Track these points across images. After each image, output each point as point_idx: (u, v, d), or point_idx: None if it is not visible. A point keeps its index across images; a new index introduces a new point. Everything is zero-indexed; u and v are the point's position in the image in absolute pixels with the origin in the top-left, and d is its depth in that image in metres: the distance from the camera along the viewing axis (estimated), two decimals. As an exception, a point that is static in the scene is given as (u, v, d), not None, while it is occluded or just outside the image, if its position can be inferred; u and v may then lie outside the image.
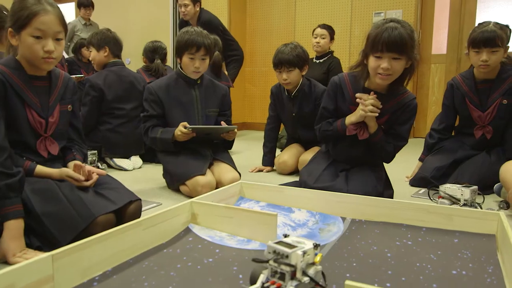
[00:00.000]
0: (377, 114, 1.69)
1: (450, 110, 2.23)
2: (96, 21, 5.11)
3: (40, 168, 1.34)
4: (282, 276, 0.75)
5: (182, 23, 3.78)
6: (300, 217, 1.49)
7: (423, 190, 2.07)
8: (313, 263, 0.79)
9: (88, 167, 1.39)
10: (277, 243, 0.80)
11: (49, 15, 1.32)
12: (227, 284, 0.95)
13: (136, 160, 2.73)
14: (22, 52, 1.36)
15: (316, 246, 0.80)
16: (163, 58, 3.33)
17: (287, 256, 0.75)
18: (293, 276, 0.75)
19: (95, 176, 1.38)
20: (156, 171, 2.51)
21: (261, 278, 0.77)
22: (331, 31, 3.54)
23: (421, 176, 2.09)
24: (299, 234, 1.32)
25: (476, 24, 2.10)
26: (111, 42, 2.72)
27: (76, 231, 1.20)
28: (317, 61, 3.51)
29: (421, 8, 4.46)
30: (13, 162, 1.19)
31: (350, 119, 1.77)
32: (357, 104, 1.75)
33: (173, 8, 5.26)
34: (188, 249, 1.16)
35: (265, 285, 0.77)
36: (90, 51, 2.80)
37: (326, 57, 3.52)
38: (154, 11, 5.40)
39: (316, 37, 3.50)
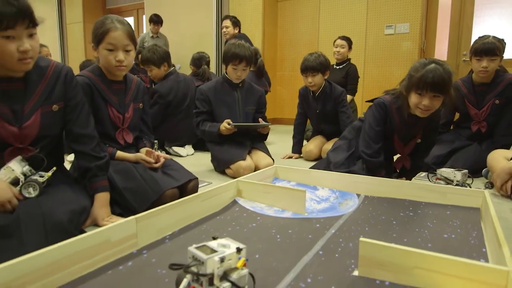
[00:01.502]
0: None
1: (451, 109, 2.22)
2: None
3: (119, 153, 1.44)
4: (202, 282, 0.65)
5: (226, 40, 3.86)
6: (323, 193, 1.53)
7: (424, 173, 2.06)
8: (236, 268, 0.67)
9: (156, 152, 1.48)
10: (199, 247, 0.68)
11: (119, 32, 1.36)
12: (268, 242, 1.02)
13: (189, 149, 2.83)
14: (101, 62, 1.44)
15: (239, 250, 0.68)
16: (207, 65, 3.40)
17: (203, 263, 0.64)
18: (211, 282, 0.65)
19: (162, 160, 1.45)
20: (205, 157, 2.58)
21: (184, 283, 0.65)
22: (349, 41, 3.51)
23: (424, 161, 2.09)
24: (322, 207, 1.36)
25: (472, 36, 2.11)
26: (167, 57, 2.72)
27: (149, 202, 1.28)
28: (337, 67, 3.50)
29: (425, 22, 4.35)
30: (100, 148, 1.27)
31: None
32: (401, 131, 1.68)
33: (216, 22, 5.31)
34: (235, 217, 1.24)
35: None
36: (150, 69, 2.71)
37: (345, 64, 3.50)
38: (200, 25, 5.44)
39: (336, 47, 3.49)
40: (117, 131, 1.46)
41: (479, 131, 2.11)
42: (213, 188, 1.29)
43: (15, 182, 1.00)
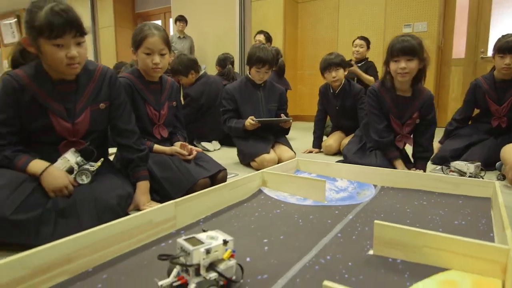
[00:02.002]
0: None
1: (470, 105, 2.23)
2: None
3: (156, 146, 1.54)
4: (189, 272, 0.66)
5: None
6: (342, 184, 1.59)
7: (439, 167, 2.08)
8: (223, 259, 0.68)
9: (189, 146, 1.58)
10: (188, 239, 0.69)
11: (155, 37, 1.45)
12: (291, 226, 1.10)
13: (216, 144, 2.93)
14: (140, 64, 1.55)
15: (225, 242, 0.68)
16: (232, 65, 3.49)
17: (189, 254, 0.65)
18: (197, 273, 0.65)
19: (194, 152, 1.55)
20: (231, 151, 2.67)
21: (174, 273, 0.67)
22: (367, 41, 3.53)
23: (441, 155, 2.11)
24: (341, 196, 1.43)
25: (490, 34, 2.09)
26: (192, 65, 2.78)
27: (184, 190, 1.37)
28: (357, 65, 3.52)
29: (443, 20, 4.29)
30: (141, 142, 1.38)
31: (397, 166, 1.79)
32: (393, 113, 1.82)
33: (239, 24, 5.38)
34: (261, 204, 1.32)
35: (174, 280, 0.67)
36: (180, 78, 2.79)
37: (363, 62, 3.51)
38: (223, 26, 5.51)
39: (355, 46, 3.51)
40: (154, 126, 1.57)
41: (499, 126, 2.11)
42: (241, 178, 1.38)
43: (70, 170, 1.12)
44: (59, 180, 1.06)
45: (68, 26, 1.04)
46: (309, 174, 1.72)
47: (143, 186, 1.31)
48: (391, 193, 1.46)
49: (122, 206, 1.14)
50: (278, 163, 1.95)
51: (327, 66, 2.45)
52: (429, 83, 4.33)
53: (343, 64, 2.45)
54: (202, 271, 0.65)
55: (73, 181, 1.10)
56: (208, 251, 0.66)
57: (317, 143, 2.68)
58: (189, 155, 1.53)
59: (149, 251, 0.92)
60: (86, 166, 1.14)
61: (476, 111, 2.29)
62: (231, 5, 5.40)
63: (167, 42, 1.50)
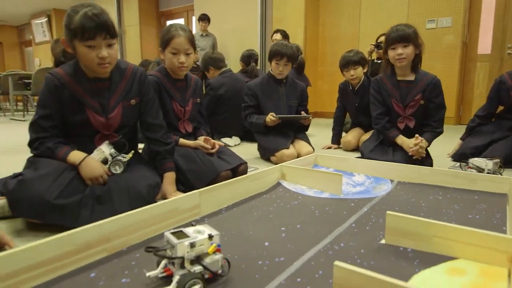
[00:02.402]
0: (424, 155, 1.85)
1: (494, 102, 2.21)
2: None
3: (182, 140, 1.63)
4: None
5: None
6: (359, 179, 1.64)
7: (458, 163, 2.08)
8: (208, 253, 0.69)
9: (212, 140, 1.66)
10: (175, 233, 0.70)
11: (181, 38, 1.54)
12: (308, 216, 1.16)
13: (236, 139, 3.01)
14: (166, 63, 1.64)
15: (210, 237, 0.70)
16: (256, 62, 3.56)
17: (174, 247, 0.67)
18: (182, 265, 0.67)
19: (217, 146, 1.63)
20: (250, 147, 2.75)
21: (161, 265, 0.69)
22: None
23: (462, 152, 2.10)
24: (358, 190, 1.47)
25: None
26: (210, 61, 3.01)
27: (207, 181, 1.44)
28: (378, 61, 3.51)
29: (469, 15, 4.19)
30: (167, 136, 1.48)
31: (401, 143, 1.91)
32: (396, 99, 1.96)
33: (260, 21, 5.43)
34: (280, 196, 1.39)
35: (161, 272, 0.70)
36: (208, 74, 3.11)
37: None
38: (245, 24, 5.59)
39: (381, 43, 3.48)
40: (179, 121, 1.66)
41: None
42: (261, 171, 1.45)
43: (104, 161, 1.22)
44: (95, 170, 1.16)
45: (99, 29, 1.13)
46: (326, 169, 1.77)
47: (169, 177, 1.40)
48: (407, 188, 1.49)
49: (151, 195, 1.23)
50: (297, 158, 2.01)
51: (345, 64, 2.48)
52: (453, 79, 4.26)
53: (362, 62, 2.48)
54: (187, 264, 0.67)
55: (107, 170, 1.20)
56: (192, 245, 0.67)
57: (336, 139, 2.72)
58: (212, 148, 1.61)
59: (176, 235, 1.01)
60: (119, 157, 1.24)
61: (501, 108, 2.27)
62: (253, 2, 5.45)
63: (192, 42, 1.58)
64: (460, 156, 2.10)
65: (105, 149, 1.22)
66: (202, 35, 5.25)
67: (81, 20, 1.12)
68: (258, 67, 4.92)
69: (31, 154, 1.22)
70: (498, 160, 1.70)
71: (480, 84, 4.26)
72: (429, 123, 1.93)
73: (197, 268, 0.67)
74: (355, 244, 0.95)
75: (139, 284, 0.73)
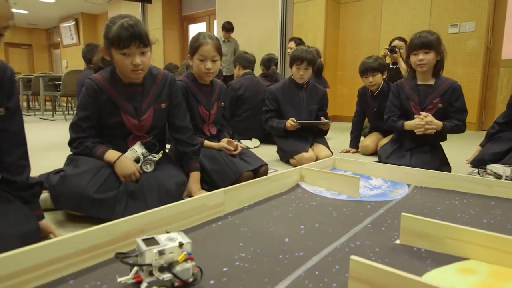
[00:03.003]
0: (433, 131, 1.89)
1: None
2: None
3: (206, 142, 1.72)
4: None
5: None
6: (376, 183, 1.68)
7: (476, 170, 2.09)
8: (178, 261, 0.68)
9: (235, 142, 1.74)
10: (145, 239, 0.70)
11: (209, 46, 1.63)
12: (325, 216, 1.22)
13: (255, 141, 3.09)
14: (194, 69, 1.74)
15: (181, 245, 0.69)
16: (276, 66, 3.63)
17: (142, 253, 0.67)
18: (151, 273, 0.67)
19: (240, 148, 1.72)
20: (270, 149, 2.81)
21: (133, 271, 0.69)
22: (406, 42, 3.47)
23: (481, 158, 2.11)
24: (374, 193, 1.52)
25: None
26: (239, 60, 3.19)
27: (230, 181, 1.52)
28: (394, 66, 3.51)
29: (493, 20, 4.14)
30: (194, 138, 1.57)
31: (408, 125, 1.99)
32: (415, 101, 2.00)
33: (281, 25, 5.48)
34: (299, 196, 1.45)
35: (131, 278, 0.69)
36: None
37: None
38: (266, 28, 5.64)
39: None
40: (204, 124, 1.75)
41: None
42: (281, 173, 1.52)
43: (136, 160, 1.32)
44: (129, 168, 1.25)
45: (134, 38, 1.23)
46: (344, 172, 1.82)
47: (195, 176, 1.49)
48: (423, 192, 1.53)
49: (179, 192, 1.32)
50: (315, 161, 2.07)
51: (364, 70, 2.53)
52: (475, 84, 4.22)
53: (381, 68, 2.50)
54: (155, 272, 0.67)
55: (139, 169, 1.30)
56: (161, 252, 0.67)
57: (355, 143, 2.75)
58: (235, 150, 1.69)
59: (202, 230, 1.09)
60: (150, 157, 1.33)
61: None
62: (274, 7, 5.52)
63: (219, 50, 1.67)
64: (479, 162, 2.10)
65: (137, 149, 1.32)
66: (224, 41, 5.37)
67: (117, 30, 1.22)
68: (278, 71, 5.01)
69: (59, 152, 1.33)
70: (517, 166, 1.72)
71: (504, 90, 4.20)
72: (452, 117, 1.98)
73: (166, 276, 0.67)
74: (371, 243, 1.01)
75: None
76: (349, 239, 1.03)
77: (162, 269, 0.67)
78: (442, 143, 2.07)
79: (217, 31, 6.44)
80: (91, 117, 1.31)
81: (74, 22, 9.99)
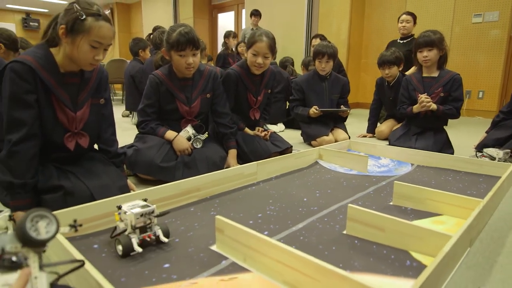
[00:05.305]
0: (429, 108, 2.19)
1: None
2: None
3: (246, 129, 2.01)
4: None
5: None
6: (384, 162, 1.97)
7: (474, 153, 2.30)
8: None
9: (264, 132, 2.03)
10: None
11: (263, 43, 1.86)
12: (337, 185, 1.54)
13: (280, 126, 3.38)
14: (248, 60, 1.92)
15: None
16: (292, 65, 4.02)
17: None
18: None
19: (269, 133, 2.02)
20: (294, 133, 3.10)
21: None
22: (414, 17, 3.53)
23: (485, 143, 2.30)
24: (381, 170, 1.82)
25: None
26: None
27: (261, 159, 1.81)
28: (401, 42, 3.59)
29: (517, 9, 4.19)
30: (233, 121, 1.86)
31: (415, 108, 2.28)
32: (420, 92, 2.28)
33: (307, 14, 5.67)
34: (317, 171, 1.77)
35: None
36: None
37: (409, 39, 3.53)
38: (293, 16, 5.80)
39: (402, 22, 3.53)
40: (250, 110, 2.03)
41: None
42: (302, 151, 1.84)
43: (188, 138, 1.67)
44: (183, 144, 1.61)
45: (189, 43, 1.58)
46: (358, 153, 2.12)
47: (233, 152, 1.82)
48: (424, 170, 1.82)
49: (222, 163, 1.67)
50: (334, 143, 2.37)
51: (381, 63, 2.77)
52: (497, 73, 4.32)
53: (397, 61, 2.73)
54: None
55: (191, 146, 1.66)
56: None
57: (371, 129, 3.01)
58: (264, 136, 2.00)
59: (240, 192, 1.44)
60: (198, 136, 1.69)
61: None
62: (301, -3, 5.71)
63: (271, 48, 1.87)
64: (482, 147, 2.32)
65: (189, 130, 1.68)
66: (252, 29, 5.62)
67: (177, 36, 1.56)
68: (303, 56, 5.25)
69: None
70: (509, 150, 1.95)
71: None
72: (449, 104, 2.25)
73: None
74: (370, 203, 1.33)
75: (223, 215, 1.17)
76: (353, 200, 1.35)
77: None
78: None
79: (245, 20, 6.70)
80: (154, 104, 1.68)
81: (109, 11, 10.49)
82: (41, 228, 0.51)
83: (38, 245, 0.51)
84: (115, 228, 0.95)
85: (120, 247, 0.88)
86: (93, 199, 1.12)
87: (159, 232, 0.93)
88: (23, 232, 0.49)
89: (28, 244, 0.50)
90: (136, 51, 3.49)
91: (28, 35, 10.46)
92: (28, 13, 10.88)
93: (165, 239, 0.93)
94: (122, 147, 1.54)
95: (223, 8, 7.93)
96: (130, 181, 1.39)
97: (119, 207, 0.91)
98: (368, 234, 1.01)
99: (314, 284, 0.71)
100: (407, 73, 2.97)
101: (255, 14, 5.45)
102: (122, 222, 0.92)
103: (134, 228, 0.88)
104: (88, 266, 0.68)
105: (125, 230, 0.89)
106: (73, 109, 1.18)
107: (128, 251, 0.87)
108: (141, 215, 0.89)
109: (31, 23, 10.86)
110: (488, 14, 4.28)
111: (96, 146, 1.36)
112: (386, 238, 0.98)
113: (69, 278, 0.75)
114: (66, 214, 0.98)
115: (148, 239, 0.90)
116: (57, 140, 1.17)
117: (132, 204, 0.92)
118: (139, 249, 0.87)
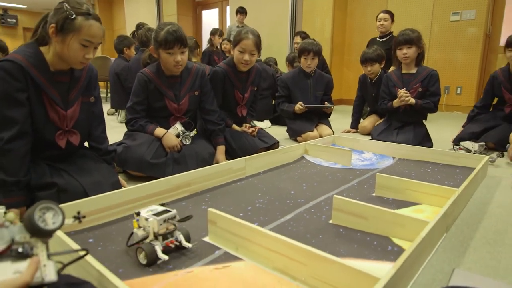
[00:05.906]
0: (408, 102, 2.29)
1: (489, 94, 2.50)
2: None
3: (233, 126, 2.07)
4: None
5: None
6: (367, 156, 2.05)
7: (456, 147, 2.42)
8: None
9: (252, 128, 2.08)
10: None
11: (249, 41, 1.90)
12: (323, 178, 1.60)
13: (267, 122, 3.43)
14: (235, 58, 1.97)
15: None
16: (276, 64, 4.06)
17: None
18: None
19: (256, 129, 2.07)
20: (279, 129, 3.15)
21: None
22: (391, 15, 3.61)
23: (461, 137, 2.42)
24: (364, 164, 1.89)
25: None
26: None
27: (249, 154, 1.86)
28: (380, 40, 3.66)
29: (492, 8, 4.35)
30: (221, 118, 1.91)
31: (395, 102, 2.37)
32: (399, 87, 2.39)
33: (291, 11, 5.72)
34: (303, 165, 1.83)
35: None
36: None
37: (388, 37, 3.58)
38: (277, 14, 5.85)
39: (380, 20, 3.58)
40: (237, 106, 2.07)
41: (511, 112, 2.39)
42: (289, 146, 1.90)
43: (177, 135, 1.70)
44: (173, 141, 1.64)
45: (177, 41, 1.60)
46: (342, 147, 2.20)
47: (221, 148, 1.85)
48: (404, 163, 1.90)
49: (211, 159, 1.71)
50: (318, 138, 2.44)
51: (364, 60, 2.84)
52: (474, 70, 4.47)
53: (379, 59, 2.81)
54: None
55: (180, 142, 1.69)
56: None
57: (355, 125, 3.09)
58: (251, 133, 2.04)
59: (229, 186, 1.48)
60: (187, 133, 1.72)
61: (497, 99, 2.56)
62: (284, -6, 5.76)
63: (257, 45, 1.94)
64: (460, 140, 2.44)
65: (178, 127, 1.71)
66: (238, 26, 5.65)
67: (165, 34, 1.59)
68: (283, 60, 5.30)
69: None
70: (483, 143, 2.06)
71: (500, 75, 4.45)
72: (427, 99, 2.34)
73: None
74: (354, 195, 1.39)
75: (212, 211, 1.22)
76: (338, 192, 1.42)
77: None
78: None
79: (229, 17, 6.71)
80: (143, 101, 1.70)
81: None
82: (48, 219, 0.54)
83: (46, 235, 0.54)
84: (130, 234, 0.91)
85: (142, 256, 0.83)
86: (86, 195, 1.14)
87: (181, 238, 0.89)
88: (32, 223, 0.52)
89: (36, 234, 0.53)
90: (121, 49, 3.47)
91: (6, 31, 10.19)
92: (5, 9, 10.57)
93: (188, 245, 0.89)
94: (111, 145, 1.56)
95: (207, 5, 7.91)
96: (121, 178, 1.41)
97: (138, 213, 0.88)
98: (352, 222, 1.07)
99: (302, 268, 0.77)
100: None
101: (241, 12, 5.48)
102: (141, 229, 0.88)
103: (156, 236, 0.85)
104: (88, 257, 0.71)
105: (145, 238, 0.86)
106: (63, 107, 1.20)
107: (153, 260, 0.83)
108: (164, 221, 0.86)
109: (8, 20, 10.54)
110: (466, 12, 4.43)
111: (86, 144, 1.38)
112: (369, 226, 1.04)
113: (68, 270, 0.78)
114: (61, 209, 1.00)
115: (172, 245, 0.86)
116: (48, 138, 1.19)
117: (151, 209, 0.89)
118: (165, 257, 0.82)
